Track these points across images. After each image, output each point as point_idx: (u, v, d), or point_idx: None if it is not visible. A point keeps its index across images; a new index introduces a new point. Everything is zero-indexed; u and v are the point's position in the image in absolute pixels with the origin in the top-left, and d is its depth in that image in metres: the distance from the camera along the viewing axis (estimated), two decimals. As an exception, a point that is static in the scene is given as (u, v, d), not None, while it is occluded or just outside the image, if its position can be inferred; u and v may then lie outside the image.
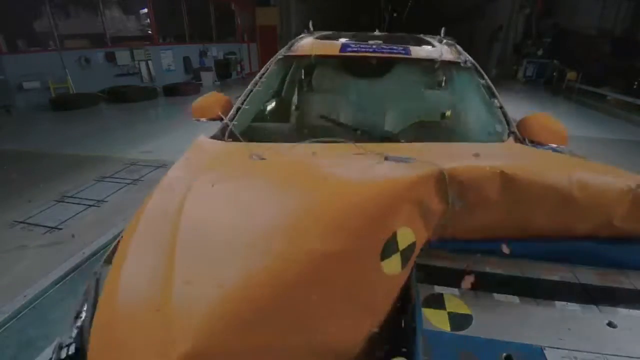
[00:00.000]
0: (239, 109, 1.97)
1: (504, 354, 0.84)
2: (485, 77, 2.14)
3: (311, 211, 0.97)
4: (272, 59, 2.23)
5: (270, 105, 2.02)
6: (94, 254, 2.81)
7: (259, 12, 13.80)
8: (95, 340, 0.86)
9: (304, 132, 1.81)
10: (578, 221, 1.14)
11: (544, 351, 0.84)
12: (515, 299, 1.02)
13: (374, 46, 2.17)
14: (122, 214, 3.32)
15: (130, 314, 0.85)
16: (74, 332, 1.01)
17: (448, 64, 2.10)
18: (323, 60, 2.17)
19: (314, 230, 0.91)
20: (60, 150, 5.25)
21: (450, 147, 1.61)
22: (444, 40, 2.41)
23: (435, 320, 0.94)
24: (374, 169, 1.13)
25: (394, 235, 0.95)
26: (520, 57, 12.37)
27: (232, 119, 1.88)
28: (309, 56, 2.13)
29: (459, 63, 2.11)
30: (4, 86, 7.51)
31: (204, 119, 2.05)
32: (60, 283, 2.52)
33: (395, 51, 2.14)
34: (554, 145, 1.82)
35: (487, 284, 1.07)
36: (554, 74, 11.17)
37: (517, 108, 7.89)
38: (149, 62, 9.97)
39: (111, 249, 1.23)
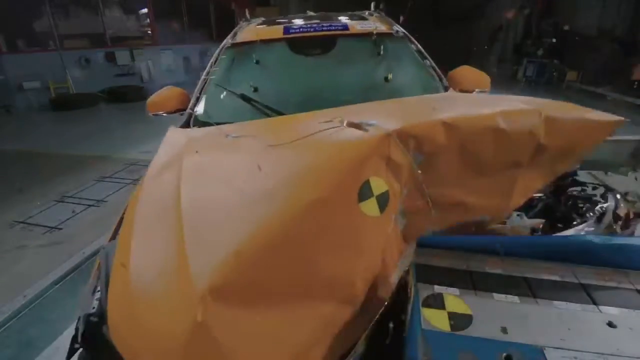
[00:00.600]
0: (197, 98, 2.07)
1: (504, 354, 0.84)
2: (417, 43, 2.47)
3: (298, 169, 1.16)
4: (220, 48, 2.38)
5: (227, 91, 2.12)
6: (94, 253, 2.80)
7: (259, 12, 13.80)
8: (113, 309, 0.95)
9: (265, 109, 1.94)
10: (518, 151, 1.31)
11: (544, 351, 0.84)
12: (515, 299, 1.02)
13: (314, 25, 2.40)
14: (122, 214, 3.32)
15: (145, 277, 0.93)
16: (95, 303, 1.13)
17: (383, 35, 2.35)
18: (270, 43, 2.32)
19: (304, 183, 1.08)
20: (60, 150, 5.25)
21: (401, 101, 1.79)
22: (374, 14, 2.73)
23: (435, 320, 0.94)
24: (339, 133, 1.29)
25: (367, 182, 1.10)
26: (520, 57, 12.37)
27: (193, 108, 2.02)
28: (255, 41, 2.29)
29: (392, 33, 2.41)
30: (4, 86, 7.52)
31: (161, 113, 2.14)
32: (60, 283, 2.52)
33: (334, 27, 2.39)
34: (479, 90, 2.23)
35: (487, 284, 1.07)
36: (554, 73, 11.17)
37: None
38: (149, 62, 9.98)
39: (114, 226, 1.36)
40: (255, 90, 2.04)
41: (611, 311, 0.97)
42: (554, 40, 11.35)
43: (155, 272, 0.93)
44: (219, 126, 1.73)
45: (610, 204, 1.60)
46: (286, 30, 2.36)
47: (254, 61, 2.21)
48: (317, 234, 0.99)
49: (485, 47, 13.42)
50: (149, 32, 10.67)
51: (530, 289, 1.05)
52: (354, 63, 2.33)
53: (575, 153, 1.48)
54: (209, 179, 1.22)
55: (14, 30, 7.92)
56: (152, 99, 2.23)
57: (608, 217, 1.51)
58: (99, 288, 1.14)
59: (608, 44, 9.97)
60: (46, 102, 7.94)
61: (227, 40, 2.39)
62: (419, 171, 1.21)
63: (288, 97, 2.08)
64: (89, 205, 3.53)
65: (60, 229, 3.15)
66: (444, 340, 0.89)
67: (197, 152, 1.39)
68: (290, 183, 1.11)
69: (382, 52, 2.26)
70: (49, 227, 3.17)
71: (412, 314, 0.97)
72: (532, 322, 0.93)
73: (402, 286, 1.20)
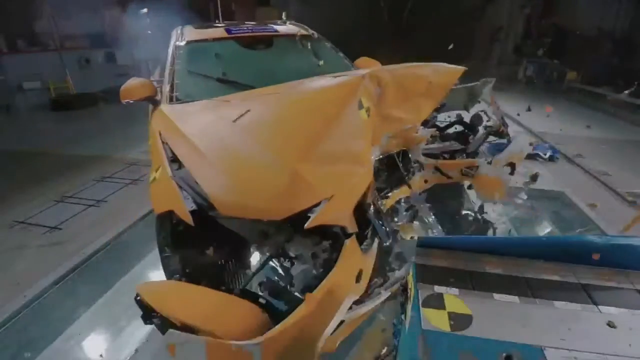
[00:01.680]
0: (172, 84, 2.44)
1: (504, 354, 0.84)
2: (329, 42, 3.37)
3: (323, 95, 2.17)
4: (173, 45, 2.84)
5: (199, 75, 2.58)
6: (94, 253, 2.80)
7: (259, 12, 13.80)
8: (213, 185, 1.47)
9: (237, 86, 2.46)
10: (421, 87, 2.32)
11: (544, 351, 0.84)
12: (515, 299, 1.02)
13: (251, 28, 3.15)
14: (122, 214, 3.32)
15: (237, 159, 1.62)
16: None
17: (305, 36, 3.21)
18: (221, 40, 2.95)
19: (319, 102, 2.05)
20: (60, 150, 5.25)
21: (305, 83, 2.48)
22: (288, 23, 3.52)
23: (435, 320, 0.94)
24: (339, 77, 2.34)
25: (361, 99, 1.97)
26: (520, 57, 12.36)
27: (172, 91, 2.38)
28: (207, 39, 2.92)
29: (310, 35, 3.26)
30: (4, 86, 7.53)
31: (131, 100, 2.42)
32: (60, 283, 2.52)
33: (266, 30, 3.18)
34: None
35: (487, 284, 1.07)
36: (554, 74, 11.17)
37: (518, 108, 7.89)
38: (149, 62, 9.98)
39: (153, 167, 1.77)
40: (224, 74, 2.56)
41: (611, 311, 0.97)
42: (551, 39, 11.39)
43: (247, 155, 1.60)
44: (202, 101, 2.21)
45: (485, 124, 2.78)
46: (228, 31, 3.03)
47: (214, 53, 2.79)
48: (343, 126, 1.80)
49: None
50: (149, 32, 10.67)
51: (530, 289, 1.05)
52: (288, 54, 3.08)
53: (444, 89, 2.46)
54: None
55: (14, 30, 7.92)
56: (123, 88, 2.44)
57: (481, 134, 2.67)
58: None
59: (608, 44, 9.97)
60: (46, 102, 7.94)
61: (177, 40, 2.86)
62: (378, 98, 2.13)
63: (247, 78, 2.58)
64: (89, 205, 3.53)
65: (60, 229, 3.14)
66: (444, 340, 0.89)
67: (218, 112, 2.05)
68: (307, 103, 2.11)
69: (307, 47, 3.11)
70: (49, 227, 3.17)
71: (412, 314, 0.97)
72: (532, 322, 0.93)
73: (402, 286, 1.20)
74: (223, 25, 3.24)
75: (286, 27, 3.29)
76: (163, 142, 1.82)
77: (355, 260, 1.44)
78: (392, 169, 2.15)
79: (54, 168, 4.48)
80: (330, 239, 1.46)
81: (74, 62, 8.65)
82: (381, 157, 2.07)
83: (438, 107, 2.45)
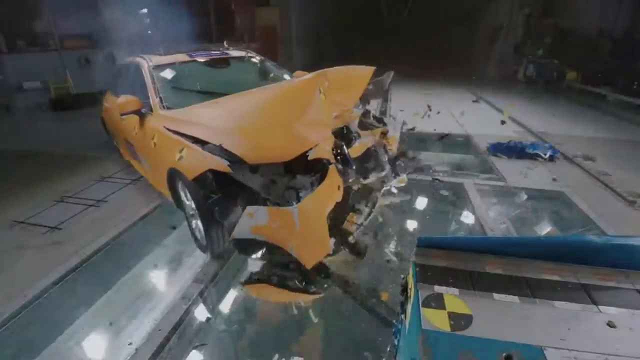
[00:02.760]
0: (159, 97, 3.11)
1: (504, 354, 0.84)
2: (272, 62, 4.33)
3: (307, 84, 2.94)
4: (145, 69, 3.40)
5: (178, 89, 3.31)
6: (94, 253, 2.80)
7: (259, 12, 13.79)
8: (242, 146, 2.19)
9: (209, 95, 3.18)
10: (354, 87, 3.13)
11: (544, 351, 0.84)
12: (515, 299, 1.02)
13: (208, 53, 3.95)
14: (122, 214, 3.32)
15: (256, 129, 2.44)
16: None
17: (250, 58, 4.22)
18: (186, 63, 3.68)
19: (284, 92, 3.08)
20: (60, 150, 5.25)
21: (279, 84, 3.62)
22: (231, 49, 4.38)
23: (435, 320, 0.94)
24: (299, 79, 3.41)
25: (320, 87, 2.71)
26: (520, 57, 12.36)
27: (162, 102, 3.06)
28: (176, 62, 3.62)
29: (255, 57, 4.28)
30: (4, 86, 7.52)
31: (126, 112, 2.97)
32: (60, 283, 2.52)
33: (221, 54, 4.02)
34: None
35: (487, 284, 1.07)
36: (554, 73, 11.17)
37: (520, 108, 7.89)
38: (149, 62, 9.96)
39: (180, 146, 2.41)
40: (199, 87, 3.36)
41: (611, 311, 0.97)
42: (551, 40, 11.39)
43: (258, 126, 2.44)
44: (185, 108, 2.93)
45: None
46: (191, 55, 3.79)
47: (186, 72, 3.55)
48: (314, 104, 2.57)
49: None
50: (149, 32, 10.66)
51: (530, 289, 1.05)
52: (244, 71, 4.07)
53: (364, 82, 3.14)
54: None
55: (14, 30, 7.91)
56: (119, 104, 2.99)
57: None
58: None
59: (608, 43, 9.97)
60: (46, 102, 7.93)
61: (148, 63, 3.47)
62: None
63: (217, 88, 3.30)
64: (89, 205, 3.53)
65: (60, 229, 3.14)
66: (444, 340, 0.89)
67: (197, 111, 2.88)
68: (280, 93, 3.10)
69: (257, 65, 4.18)
70: (49, 227, 3.17)
71: (412, 314, 0.97)
72: (532, 322, 0.93)
73: (402, 286, 1.20)
74: (180, 53, 3.90)
75: (236, 52, 4.24)
76: (174, 132, 2.56)
77: (337, 178, 2.29)
78: (340, 138, 2.80)
79: (54, 168, 4.48)
80: (318, 172, 2.24)
81: (74, 62, 8.64)
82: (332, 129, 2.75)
83: (362, 96, 3.33)
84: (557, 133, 5.95)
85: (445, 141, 5.65)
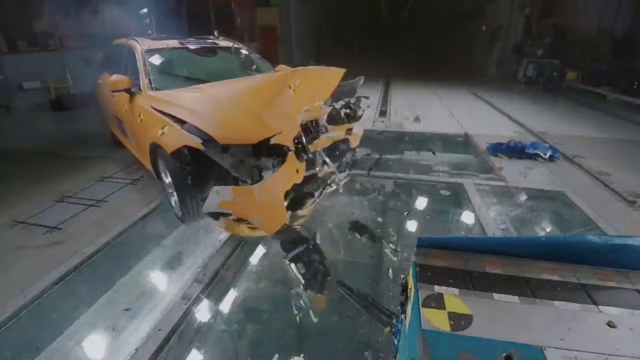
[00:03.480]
0: (149, 79, 3.41)
1: (504, 354, 0.84)
2: (257, 55, 4.68)
3: (278, 80, 3.34)
4: (138, 52, 3.69)
5: (160, 74, 3.56)
6: (94, 253, 2.80)
7: (259, 12, 13.79)
8: (214, 127, 2.48)
9: (188, 82, 3.54)
10: (324, 85, 3.22)
11: (544, 351, 0.84)
12: (515, 299, 1.02)
13: (197, 41, 4.23)
14: (122, 214, 3.32)
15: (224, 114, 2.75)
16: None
17: (238, 48, 4.56)
18: (176, 49, 3.98)
19: (269, 83, 3.37)
20: (60, 150, 5.25)
21: (256, 77, 3.93)
22: (220, 39, 4.65)
23: (435, 320, 0.94)
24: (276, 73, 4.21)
25: (291, 84, 2.97)
26: (520, 57, 12.37)
27: (150, 83, 3.38)
28: (167, 48, 3.91)
29: (241, 47, 4.59)
30: (4, 86, 7.52)
31: (117, 89, 3.34)
32: (60, 283, 2.52)
33: (210, 43, 4.31)
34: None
35: (487, 284, 1.07)
36: (554, 74, 11.17)
37: (519, 108, 7.89)
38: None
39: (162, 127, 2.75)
40: (186, 72, 3.72)
41: (611, 311, 0.97)
42: (550, 39, 11.38)
43: (231, 111, 2.76)
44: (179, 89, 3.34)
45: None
46: (181, 42, 4.06)
47: (174, 58, 3.89)
48: (283, 98, 2.87)
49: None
50: (149, 32, 10.67)
51: (530, 289, 1.05)
52: (229, 60, 4.36)
53: (335, 82, 3.23)
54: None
55: (14, 30, 7.91)
56: (111, 81, 3.33)
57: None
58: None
59: (608, 43, 9.96)
60: (46, 102, 7.93)
61: (141, 47, 3.75)
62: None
63: (202, 75, 3.66)
64: (89, 205, 3.53)
65: (60, 229, 3.14)
66: (444, 340, 0.89)
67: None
68: (251, 84, 3.51)
69: (242, 56, 4.51)
70: (49, 227, 3.17)
71: (412, 314, 0.97)
72: (532, 322, 0.93)
73: (402, 286, 1.20)
74: (168, 37, 4.24)
75: (224, 42, 4.51)
76: (159, 111, 2.90)
77: (295, 163, 2.62)
78: (309, 129, 3.09)
79: (54, 168, 4.48)
80: (279, 156, 2.56)
81: (74, 62, 8.65)
82: (303, 122, 2.98)
83: (333, 94, 3.43)
84: (557, 133, 5.95)
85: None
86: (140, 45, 3.76)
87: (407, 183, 4.11)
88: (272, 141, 2.46)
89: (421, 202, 3.74)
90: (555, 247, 1.18)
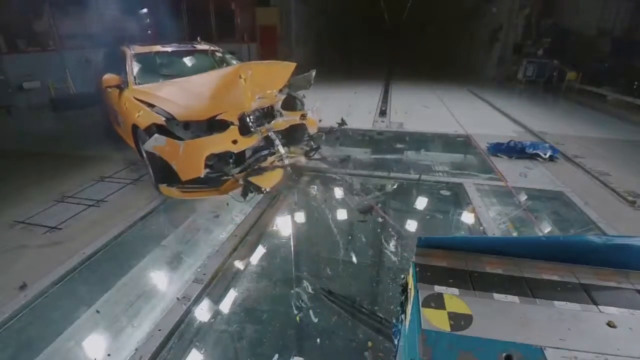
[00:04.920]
0: (134, 76, 4.22)
1: (504, 354, 0.84)
2: (231, 55, 5.55)
3: (231, 72, 4.06)
4: (128, 56, 4.49)
5: (143, 72, 4.37)
6: (94, 253, 2.81)
7: (259, 12, 13.78)
8: (172, 110, 3.31)
9: (168, 77, 4.36)
10: (277, 76, 4.20)
11: (544, 351, 0.84)
12: (515, 299, 1.02)
13: (179, 46, 5.15)
14: (122, 214, 3.32)
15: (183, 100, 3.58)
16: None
17: (215, 50, 5.38)
18: (160, 53, 4.88)
19: (223, 75, 4.07)
20: (60, 150, 5.25)
21: (215, 70, 4.61)
22: (202, 43, 5.59)
23: (435, 320, 0.94)
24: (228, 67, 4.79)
25: (242, 75, 3.82)
26: (520, 57, 12.36)
27: (135, 80, 4.18)
28: (151, 52, 4.78)
29: (218, 50, 5.42)
30: (4, 86, 7.51)
31: (109, 85, 4.13)
32: (60, 283, 2.52)
33: (191, 47, 5.25)
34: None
35: (487, 284, 1.07)
36: (554, 74, 11.16)
37: (519, 108, 7.88)
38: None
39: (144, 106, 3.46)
40: (166, 70, 4.63)
41: (611, 311, 0.97)
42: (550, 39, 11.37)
43: (188, 96, 3.62)
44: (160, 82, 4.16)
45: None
46: (164, 47, 4.96)
47: (156, 59, 4.76)
48: (233, 86, 3.72)
49: None
50: (149, 32, 10.67)
51: (530, 289, 1.05)
52: (203, 61, 5.09)
53: (287, 74, 4.04)
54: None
55: (14, 30, 7.90)
56: (104, 79, 4.11)
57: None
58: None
59: (608, 43, 9.96)
60: (46, 102, 7.92)
61: (131, 51, 4.58)
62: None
63: (179, 73, 4.48)
64: (89, 205, 3.53)
65: (60, 229, 3.14)
66: (444, 340, 0.89)
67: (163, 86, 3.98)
68: (216, 76, 4.13)
69: (216, 57, 5.30)
70: (49, 227, 3.17)
71: (412, 314, 0.97)
72: (532, 322, 0.93)
73: (402, 286, 1.20)
74: (158, 45, 5.08)
75: (202, 46, 5.39)
76: (138, 100, 3.62)
77: (233, 133, 3.32)
78: (266, 114, 3.87)
79: (54, 168, 4.48)
80: (224, 129, 3.32)
81: (74, 62, 8.63)
82: (260, 108, 3.78)
83: (288, 85, 4.19)
84: (557, 133, 5.95)
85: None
86: (130, 51, 4.61)
87: (407, 183, 4.11)
88: (219, 117, 3.29)
89: (421, 202, 3.74)
90: (555, 247, 1.18)
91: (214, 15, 12.48)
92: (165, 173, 3.24)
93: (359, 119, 6.87)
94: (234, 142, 3.27)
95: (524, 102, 9.17)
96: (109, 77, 4.11)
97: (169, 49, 4.94)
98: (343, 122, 5.33)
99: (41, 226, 3.18)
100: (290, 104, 4.22)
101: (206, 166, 3.21)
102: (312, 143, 4.28)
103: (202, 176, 3.21)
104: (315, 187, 4.15)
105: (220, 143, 3.23)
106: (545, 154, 4.69)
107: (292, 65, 4.09)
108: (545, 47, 11.76)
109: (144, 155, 3.51)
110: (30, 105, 7.96)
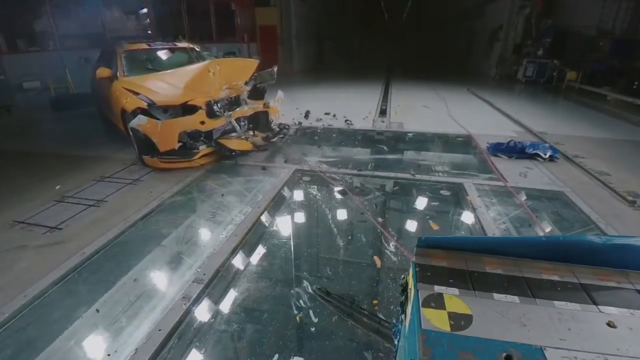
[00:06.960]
0: (123, 70, 4.97)
1: (504, 354, 0.84)
2: (207, 52, 6.46)
3: (202, 67, 5.09)
4: (118, 52, 5.24)
5: (131, 67, 5.14)
6: (94, 253, 2.80)
7: (259, 12, 13.78)
8: (153, 96, 4.37)
9: (152, 70, 5.21)
10: (242, 70, 5.24)
11: (544, 351, 0.84)
12: (515, 299, 1.02)
13: (162, 44, 5.93)
14: (122, 214, 3.32)
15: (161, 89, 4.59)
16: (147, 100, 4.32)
17: (194, 48, 6.16)
18: (147, 50, 5.66)
19: (196, 69, 5.10)
20: (60, 150, 5.25)
21: (190, 66, 5.49)
22: (183, 42, 6.72)
23: (435, 320, 0.94)
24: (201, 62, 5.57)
25: (211, 70, 4.88)
26: (520, 57, 12.36)
27: (123, 72, 4.95)
28: (138, 49, 5.54)
29: (195, 48, 6.20)
30: (4, 86, 7.51)
31: (102, 77, 4.89)
32: (60, 283, 2.52)
33: (172, 45, 6.05)
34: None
35: (487, 284, 1.07)
36: (554, 74, 11.17)
37: (519, 108, 7.88)
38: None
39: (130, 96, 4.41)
40: (150, 65, 5.42)
41: (611, 311, 0.97)
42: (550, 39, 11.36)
43: (166, 86, 4.59)
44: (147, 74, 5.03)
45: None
46: (150, 45, 5.75)
47: (142, 55, 5.52)
48: (202, 79, 4.76)
49: None
50: (149, 32, 10.67)
51: (530, 289, 1.05)
52: (180, 57, 5.81)
53: (251, 68, 5.07)
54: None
55: (14, 30, 7.90)
56: (98, 72, 4.95)
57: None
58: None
59: (608, 43, 9.96)
60: (46, 102, 7.92)
61: (121, 49, 5.32)
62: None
63: (161, 66, 5.36)
64: (89, 205, 3.53)
65: (60, 229, 3.14)
66: (444, 340, 0.89)
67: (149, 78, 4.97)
68: (195, 67, 5.25)
69: (194, 54, 5.99)
70: (49, 227, 3.17)
71: (412, 314, 0.97)
72: (532, 322, 0.93)
73: (402, 286, 1.20)
74: (144, 42, 5.93)
75: (182, 44, 6.24)
76: (126, 89, 4.45)
77: (201, 117, 4.27)
78: (233, 102, 4.77)
79: (54, 168, 4.48)
80: (194, 112, 4.27)
81: (74, 62, 8.63)
82: (228, 97, 4.70)
83: (254, 77, 5.08)
84: (557, 133, 5.95)
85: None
86: (119, 48, 5.40)
87: (407, 183, 4.11)
88: (189, 103, 4.26)
89: (421, 202, 3.74)
90: (555, 247, 1.18)
91: (214, 15, 12.48)
92: (147, 146, 4.19)
93: (359, 119, 6.87)
94: (202, 122, 4.24)
95: (523, 102, 9.17)
96: (102, 70, 4.91)
97: (153, 46, 5.76)
98: (307, 114, 6.83)
99: (41, 226, 3.18)
100: (257, 94, 5.21)
101: (180, 141, 4.19)
102: (276, 129, 5.30)
103: (176, 149, 4.18)
104: (315, 187, 4.16)
105: (190, 123, 4.20)
106: (545, 154, 4.69)
107: (254, 62, 5.04)
108: (545, 47, 11.76)
109: (130, 132, 4.28)
110: (31, 105, 7.96)
